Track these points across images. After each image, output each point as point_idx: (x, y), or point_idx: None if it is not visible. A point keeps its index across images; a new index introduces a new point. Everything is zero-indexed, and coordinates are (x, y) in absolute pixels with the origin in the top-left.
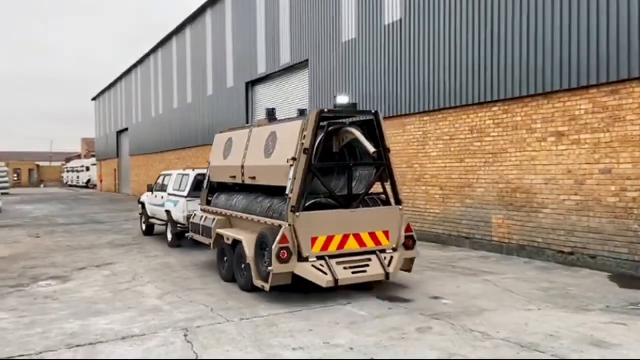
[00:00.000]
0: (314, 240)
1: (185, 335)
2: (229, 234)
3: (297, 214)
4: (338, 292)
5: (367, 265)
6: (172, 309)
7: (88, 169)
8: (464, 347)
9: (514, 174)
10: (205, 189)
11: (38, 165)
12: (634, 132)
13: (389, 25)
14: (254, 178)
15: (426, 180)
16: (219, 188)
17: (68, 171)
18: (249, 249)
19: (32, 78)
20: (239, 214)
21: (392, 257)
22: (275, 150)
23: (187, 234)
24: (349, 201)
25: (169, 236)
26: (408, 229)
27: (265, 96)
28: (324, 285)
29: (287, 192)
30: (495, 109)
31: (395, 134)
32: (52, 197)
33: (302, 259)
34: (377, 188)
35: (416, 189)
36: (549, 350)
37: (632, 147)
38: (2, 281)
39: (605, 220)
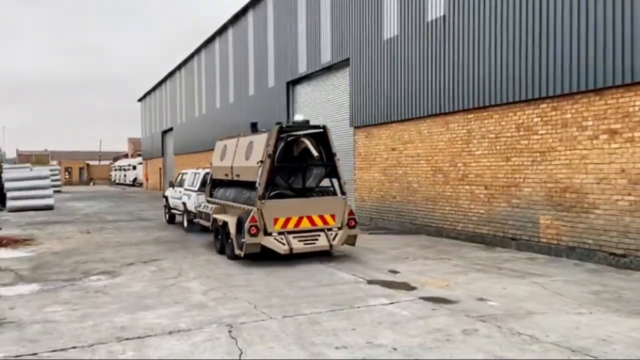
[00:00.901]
0: (275, 220)
1: (230, 331)
2: (221, 217)
3: (263, 201)
4: (379, 292)
5: (317, 239)
6: (217, 304)
7: (134, 167)
8: (512, 350)
9: (564, 173)
10: (208, 184)
11: (88, 164)
12: None
13: (432, 21)
14: (238, 175)
15: (470, 179)
16: (218, 184)
17: (116, 170)
18: (232, 228)
19: (82, 79)
20: (229, 203)
21: (336, 234)
22: (251, 155)
23: (194, 219)
24: (303, 192)
25: (185, 223)
26: (350, 213)
27: (306, 95)
28: (281, 252)
29: (257, 185)
30: (543, 105)
31: (437, 133)
32: (100, 194)
33: (267, 233)
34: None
35: (459, 188)
36: (601, 355)
37: None
38: (56, 275)
39: None
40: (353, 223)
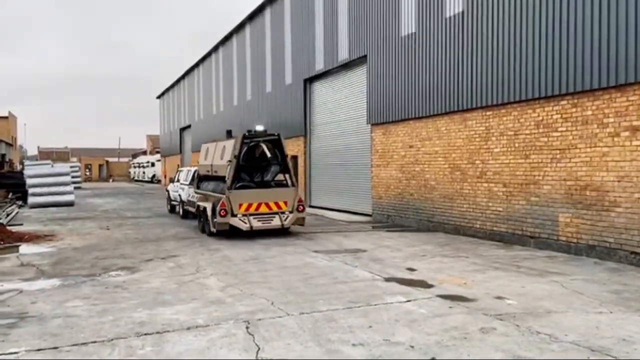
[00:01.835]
0: (240, 205)
1: (247, 327)
2: (202, 204)
3: (231, 191)
4: (396, 289)
5: (272, 220)
6: (234, 301)
7: (153, 164)
8: (531, 350)
9: (584, 170)
10: (196, 179)
11: (107, 161)
12: None
13: (450, 17)
14: (216, 171)
15: (488, 177)
16: (203, 178)
17: (134, 167)
18: (209, 211)
19: (103, 77)
20: (209, 193)
21: (288, 216)
22: (224, 155)
23: (185, 207)
24: (262, 184)
25: (181, 212)
26: (300, 200)
27: (323, 93)
28: (244, 229)
29: (227, 179)
30: (563, 102)
31: (455, 130)
32: (120, 191)
33: (233, 215)
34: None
35: (477, 185)
36: (622, 355)
37: None
38: (76, 270)
39: None
40: (301, 208)
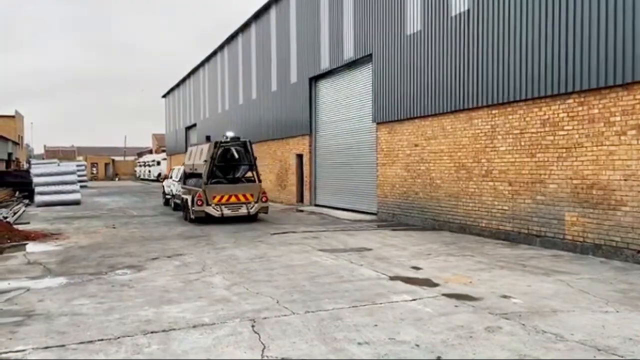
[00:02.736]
0: (214, 197)
1: (253, 326)
2: (184, 196)
3: (206, 185)
4: (401, 288)
5: (240, 209)
6: (240, 299)
7: (158, 163)
8: (536, 349)
9: (590, 169)
10: (183, 175)
11: (113, 160)
12: None
13: (456, 16)
14: (197, 169)
15: (494, 175)
16: (188, 175)
17: (140, 165)
18: (189, 202)
19: (108, 76)
20: (191, 187)
21: (253, 206)
22: (202, 156)
23: (175, 200)
24: (233, 180)
25: (172, 204)
26: (263, 193)
27: (328, 91)
28: (216, 216)
29: (203, 176)
30: (569, 101)
31: (461, 128)
32: (125, 189)
33: (208, 205)
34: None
35: (483, 184)
36: (627, 355)
37: None
38: (83, 269)
39: None
40: (265, 198)
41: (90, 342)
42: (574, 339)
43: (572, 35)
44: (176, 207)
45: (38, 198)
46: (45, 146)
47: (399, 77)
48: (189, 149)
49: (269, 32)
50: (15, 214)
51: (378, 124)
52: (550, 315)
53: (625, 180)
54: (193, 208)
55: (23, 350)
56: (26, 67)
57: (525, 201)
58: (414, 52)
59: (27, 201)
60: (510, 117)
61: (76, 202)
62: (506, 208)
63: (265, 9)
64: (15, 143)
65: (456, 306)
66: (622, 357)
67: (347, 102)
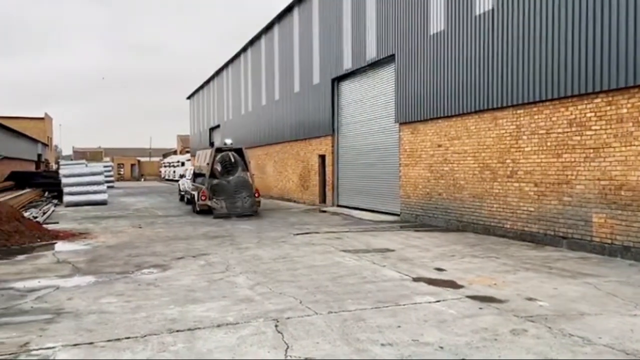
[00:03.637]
0: (214, 193)
1: (276, 326)
2: (192, 192)
3: (208, 183)
4: (425, 289)
5: (236, 203)
6: (263, 299)
7: (183, 164)
8: (563, 352)
9: (619, 170)
10: (192, 175)
11: (139, 161)
12: None
13: (480, 15)
14: (202, 170)
15: (519, 176)
16: (197, 175)
17: (165, 166)
18: (196, 197)
19: (134, 77)
20: (198, 185)
21: (248, 201)
22: (205, 159)
23: (187, 196)
24: (231, 179)
25: (185, 200)
26: (256, 189)
27: (351, 92)
28: (217, 208)
29: (206, 176)
30: (597, 100)
31: (485, 129)
32: (151, 190)
33: (210, 199)
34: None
35: (508, 185)
36: None
37: None
38: (110, 268)
39: None
40: (257, 195)
41: (118, 340)
42: (601, 342)
43: (599, 33)
44: (188, 202)
45: (67, 198)
46: (73, 147)
47: (422, 77)
48: (197, 152)
49: (292, 33)
50: (44, 213)
51: (401, 124)
52: (577, 319)
53: None
54: (198, 202)
55: (53, 347)
56: (54, 69)
57: (551, 202)
58: (437, 52)
59: (56, 201)
60: (536, 117)
61: (103, 203)
62: (532, 209)
63: (288, 10)
64: (44, 144)
65: (480, 308)
66: None
67: (369, 102)
